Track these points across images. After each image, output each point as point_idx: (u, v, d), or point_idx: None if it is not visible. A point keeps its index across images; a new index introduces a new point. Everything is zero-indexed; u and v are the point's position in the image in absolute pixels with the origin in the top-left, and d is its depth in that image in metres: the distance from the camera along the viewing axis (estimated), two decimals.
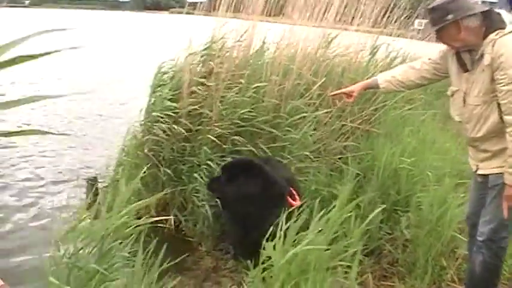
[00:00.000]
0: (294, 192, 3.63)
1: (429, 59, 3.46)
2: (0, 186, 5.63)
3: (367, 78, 5.15)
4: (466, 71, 3.08)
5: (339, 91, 3.98)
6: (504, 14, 2.98)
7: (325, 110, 4.96)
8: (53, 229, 4.53)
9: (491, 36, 2.87)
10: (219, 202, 3.90)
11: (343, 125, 5.16)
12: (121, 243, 2.85)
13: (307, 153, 4.61)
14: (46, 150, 7.02)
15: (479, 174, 3.23)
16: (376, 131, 5.37)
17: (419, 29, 8.41)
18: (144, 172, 4.53)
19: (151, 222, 4.57)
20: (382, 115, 5.53)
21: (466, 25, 2.92)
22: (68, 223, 2.76)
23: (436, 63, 3.41)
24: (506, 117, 2.84)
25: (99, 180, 5.27)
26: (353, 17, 5.73)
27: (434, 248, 3.92)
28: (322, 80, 4.93)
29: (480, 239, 3.19)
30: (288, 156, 4.50)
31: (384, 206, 4.20)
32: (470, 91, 3.06)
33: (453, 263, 4.04)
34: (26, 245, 4.39)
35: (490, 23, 2.92)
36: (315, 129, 4.75)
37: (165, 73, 4.86)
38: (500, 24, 2.90)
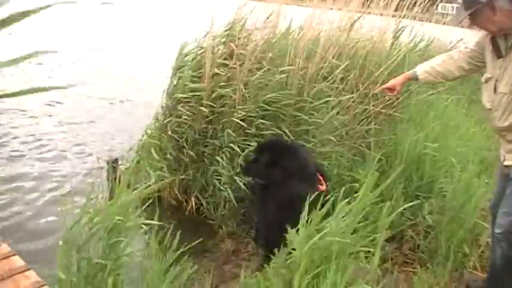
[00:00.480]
0: (321, 177, 3.62)
1: (465, 47, 3.39)
2: (24, 171, 5.62)
3: (390, 62, 5.13)
4: (500, 57, 3.01)
5: (382, 87, 3.92)
6: None
7: (348, 95, 4.91)
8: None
9: None
10: (254, 186, 3.81)
11: (365, 109, 5.11)
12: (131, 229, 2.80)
13: (331, 138, 4.57)
14: (67, 131, 7.04)
15: (505, 166, 3.18)
16: (399, 115, 5.32)
17: (444, 13, 8.28)
18: (170, 154, 4.56)
19: (171, 205, 4.66)
20: (405, 99, 5.47)
21: (501, 6, 2.82)
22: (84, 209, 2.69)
23: (472, 51, 3.33)
24: None
25: (121, 163, 5.30)
26: (377, 0, 5.65)
27: (457, 234, 3.89)
28: (346, 64, 4.88)
29: (498, 231, 3.15)
30: (313, 140, 4.47)
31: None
32: (501, 78, 2.98)
33: (476, 250, 4.01)
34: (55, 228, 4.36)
35: None
36: (338, 113, 4.70)
37: (186, 55, 4.84)
38: None
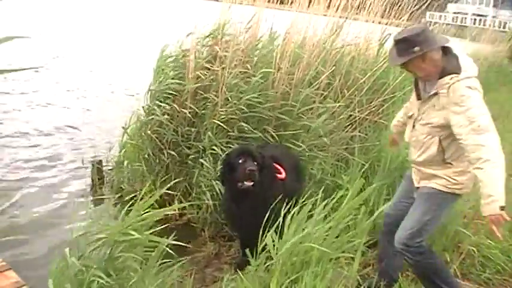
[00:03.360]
0: (278, 167, 3.72)
1: None
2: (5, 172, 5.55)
3: (376, 69, 5.17)
4: (419, 99, 3.16)
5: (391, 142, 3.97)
6: (462, 57, 3.00)
7: (333, 101, 4.91)
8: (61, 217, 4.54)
9: (446, 79, 2.91)
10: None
11: (350, 116, 5.11)
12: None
13: (315, 143, 4.57)
14: (50, 131, 6.99)
15: (417, 187, 3.28)
16: (384, 122, 5.33)
17: (432, 22, 8.35)
18: (148, 155, 4.54)
19: (153, 208, 4.61)
20: (390, 106, 5.48)
21: (430, 57, 2.95)
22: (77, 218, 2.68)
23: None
24: (473, 155, 2.81)
25: (104, 164, 5.29)
26: (362, 7, 5.65)
27: (438, 242, 3.91)
28: (331, 70, 4.88)
29: (398, 246, 3.19)
30: (300, 144, 4.46)
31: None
32: (420, 118, 3.13)
33: (457, 257, 4.02)
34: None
35: (447, 63, 2.96)
36: (325, 120, 4.69)
37: (169, 56, 4.82)
38: (455, 69, 2.92)
